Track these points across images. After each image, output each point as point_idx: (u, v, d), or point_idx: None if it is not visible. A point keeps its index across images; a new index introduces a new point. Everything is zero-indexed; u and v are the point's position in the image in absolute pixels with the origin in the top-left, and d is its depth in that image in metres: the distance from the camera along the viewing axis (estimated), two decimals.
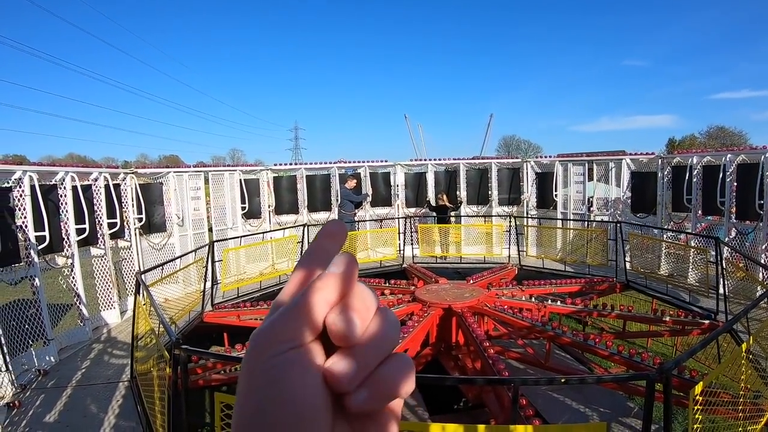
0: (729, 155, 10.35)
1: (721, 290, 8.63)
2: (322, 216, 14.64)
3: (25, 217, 7.39)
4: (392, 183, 15.51)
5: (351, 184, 14.20)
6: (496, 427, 3.43)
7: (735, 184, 10.28)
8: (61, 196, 8.32)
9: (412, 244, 14.18)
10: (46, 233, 7.64)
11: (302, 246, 12.11)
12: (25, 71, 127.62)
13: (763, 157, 9.56)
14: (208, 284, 9.61)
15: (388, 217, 15.16)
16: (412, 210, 15.51)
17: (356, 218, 14.35)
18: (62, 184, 8.33)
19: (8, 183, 7.38)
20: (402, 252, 13.87)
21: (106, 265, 9.32)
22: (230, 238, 11.96)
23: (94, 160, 71.06)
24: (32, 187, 7.55)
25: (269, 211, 13.92)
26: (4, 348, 6.50)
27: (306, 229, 12.32)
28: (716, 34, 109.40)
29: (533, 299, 9.63)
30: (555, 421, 7.04)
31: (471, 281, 10.50)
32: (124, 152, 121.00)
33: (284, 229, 13.21)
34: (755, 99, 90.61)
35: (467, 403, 8.27)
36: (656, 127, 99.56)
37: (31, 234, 7.44)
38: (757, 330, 4.91)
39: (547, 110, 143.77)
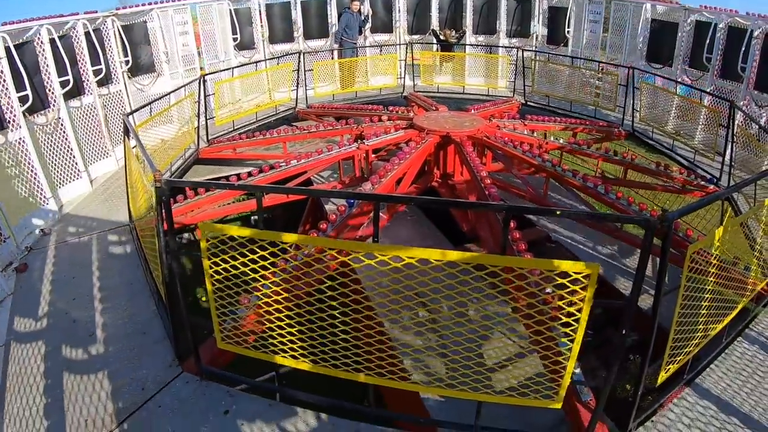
0: (760, 21, 9.68)
1: (727, 157, 8.45)
2: (318, 43, 14.10)
3: (4, 80, 6.97)
4: (393, 7, 14.77)
5: (356, 6, 13.54)
6: (487, 256, 3.39)
7: (758, 52, 9.76)
8: (39, 52, 7.80)
9: (413, 72, 13.80)
10: (29, 92, 7.26)
11: (298, 74, 11.79)
12: None
13: None
14: (202, 120, 9.47)
15: (388, 44, 14.61)
16: (414, 37, 14.88)
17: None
18: (38, 38, 7.77)
19: None
20: (402, 80, 13.53)
21: (95, 114, 9.03)
22: (222, 70, 11.61)
23: None
24: (6, 49, 7.04)
25: (263, 41, 13.37)
26: (5, 214, 6.48)
27: (302, 56, 11.91)
28: None
29: (534, 134, 9.44)
30: None
31: (472, 111, 10.24)
32: None
33: (279, 57, 12.73)
34: None
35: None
36: None
37: (13, 96, 7.07)
38: (760, 204, 4.79)
39: None
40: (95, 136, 9.05)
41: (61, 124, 8.12)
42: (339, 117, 10.84)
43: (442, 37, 14.50)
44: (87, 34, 8.80)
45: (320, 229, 5.59)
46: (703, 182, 8.23)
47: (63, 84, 8.08)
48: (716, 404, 4.04)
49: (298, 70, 11.83)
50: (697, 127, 10.17)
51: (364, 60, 13.79)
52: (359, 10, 13.62)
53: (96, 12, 9.25)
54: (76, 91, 8.53)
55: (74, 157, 8.35)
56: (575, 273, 3.07)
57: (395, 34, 14.90)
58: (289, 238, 3.59)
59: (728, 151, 8.52)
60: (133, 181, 6.25)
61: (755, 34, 9.75)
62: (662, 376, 3.80)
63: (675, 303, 3.55)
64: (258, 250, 3.55)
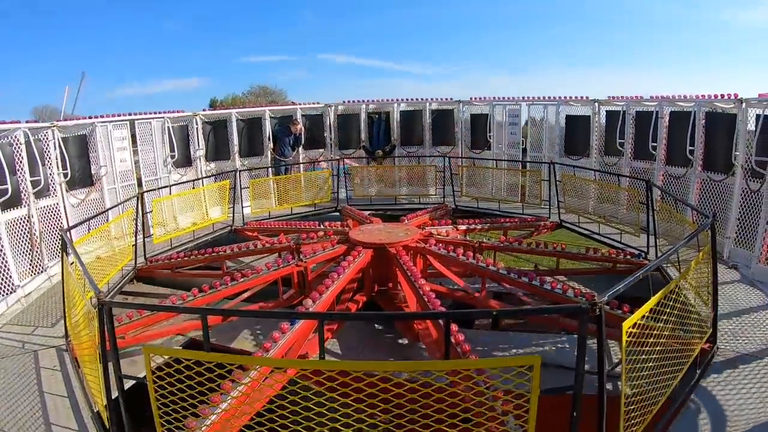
0: (664, 103, 10.80)
1: (651, 231, 9.02)
2: (254, 161, 14.46)
3: None
4: (324, 124, 15.43)
5: (298, 128, 14.30)
6: (432, 363, 3.52)
7: (666, 130, 10.77)
8: None
9: (346, 186, 14.25)
10: None
11: (235, 192, 11.99)
12: None
13: (694, 107, 9.95)
14: (140, 238, 9.43)
15: (321, 159, 15.12)
16: (346, 152, 15.46)
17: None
18: None
19: None
20: (336, 194, 13.93)
21: (32, 226, 8.85)
22: (161, 188, 11.70)
23: None
24: None
25: (200, 158, 13.61)
26: None
27: (238, 174, 12.17)
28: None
29: (467, 237, 9.80)
30: None
31: (405, 221, 10.59)
32: None
33: (216, 175, 12.97)
34: (285, 62, 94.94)
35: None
36: (189, 89, 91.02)
37: None
38: (686, 268, 5.20)
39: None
40: (30, 249, 8.81)
41: None
42: (276, 234, 11.00)
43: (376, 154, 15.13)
44: (27, 143, 8.79)
45: (265, 349, 5.59)
46: (632, 258, 8.76)
47: (0, 193, 7.99)
48: None
49: (234, 188, 12.06)
50: (619, 208, 11.08)
51: (298, 176, 14.21)
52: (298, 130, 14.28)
53: (37, 121, 9.24)
54: (13, 201, 8.42)
55: (8, 270, 8.09)
56: (518, 366, 3.22)
57: (327, 150, 15.45)
58: (235, 359, 3.64)
59: (651, 226, 9.07)
60: (71, 299, 6.14)
61: (661, 114, 10.78)
62: None
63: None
64: (205, 372, 3.57)
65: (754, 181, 8.47)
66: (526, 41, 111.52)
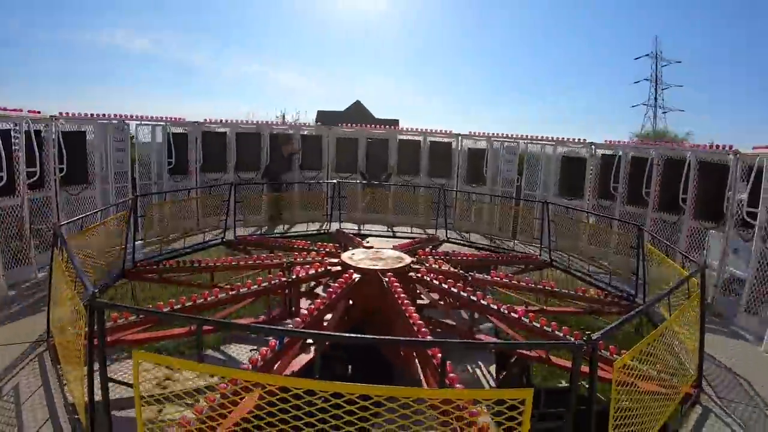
0: (659, 148, 11.22)
1: (640, 275, 9.00)
2: (249, 175, 14.46)
3: None
4: (322, 146, 15.49)
5: (288, 149, 14.50)
6: (426, 391, 3.47)
7: (660, 177, 11.07)
8: None
9: (339, 209, 14.18)
10: None
11: (228, 204, 11.93)
12: None
13: (688, 155, 10.25)
14: (130, 241, 9.32)
15: (317, 181, 15.12)
16: (342, 175, 15.45)
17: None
18: None
19: None
20: (329, 216, 13.88)
21: (23, 218, 8.76)
22: (154, 193, 11.62)
23: None
24: None
25: (196, 168, 13.56)
26: None
27: (233, 188, 12.13)
28: None
29: (458, 270, 9.76)
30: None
31: (398, 248, 10.54)
32: None
33: (211, 186, 12.92)
34: None
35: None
36: None
37: None
38: (675, 313, 5.25)
39: None
40: (19, 240, 8.69)
41: None
42: (267, 250, 10.92)
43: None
44: (27, 133, 8.71)
45: (252, 363, 5.50)
46: (620, 301, 8.88)
47: None
48: None
49: (228, 201, 11.98)
50: (610, 251, 11.25)
51: (293, 196, 14.22)
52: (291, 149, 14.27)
53: (39, 113, 9.19)
54: (5, 190, 8.32)
55: None
56: (510, 399, 3.19)
57: (324, 172, 15.47)
58: (226, 372, 3.58)
59: (640, 270, 9.03)
60: (57, 294, 6.00)
61: (655, 161, 11.08)
62: None
63: None
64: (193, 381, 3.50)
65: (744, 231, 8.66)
66: None
